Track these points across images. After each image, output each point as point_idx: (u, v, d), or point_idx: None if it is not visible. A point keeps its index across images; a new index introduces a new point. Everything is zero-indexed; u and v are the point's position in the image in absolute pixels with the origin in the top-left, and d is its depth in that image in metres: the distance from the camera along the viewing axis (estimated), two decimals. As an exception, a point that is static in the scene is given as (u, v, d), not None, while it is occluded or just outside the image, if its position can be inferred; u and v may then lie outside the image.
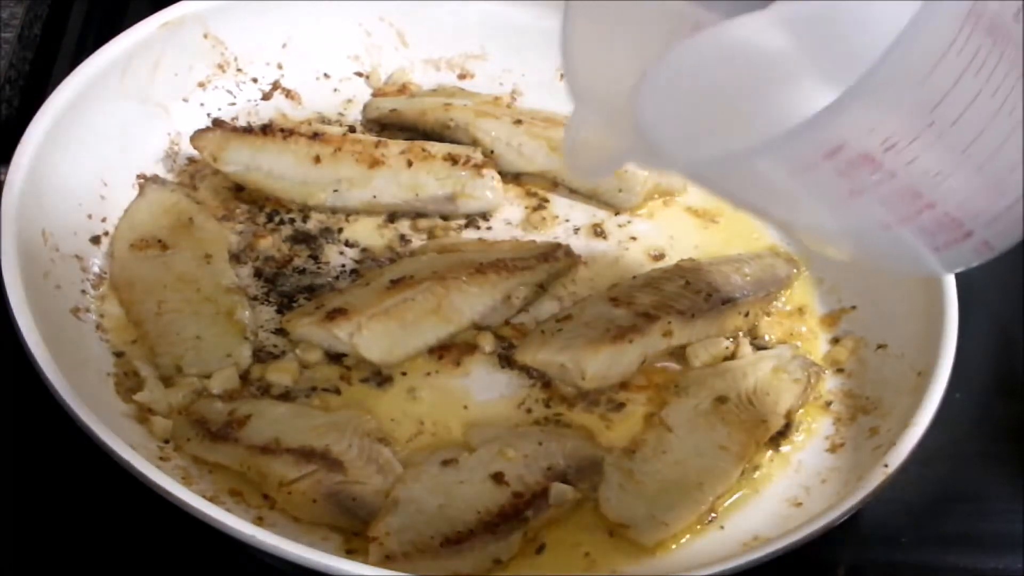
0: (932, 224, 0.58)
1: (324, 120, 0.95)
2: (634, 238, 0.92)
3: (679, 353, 0.84)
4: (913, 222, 0.58)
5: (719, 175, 0.60)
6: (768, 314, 0.88)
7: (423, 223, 0.90)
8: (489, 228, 0.91)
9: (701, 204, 0.94)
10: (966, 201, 0.58)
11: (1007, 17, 0.54)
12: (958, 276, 0.82)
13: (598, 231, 0.92)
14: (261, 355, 0.80)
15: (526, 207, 0.92)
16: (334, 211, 0.89)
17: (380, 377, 0.80)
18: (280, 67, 0.96)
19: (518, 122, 0.94)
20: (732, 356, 0.84)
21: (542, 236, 0.90)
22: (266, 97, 0.96)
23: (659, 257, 0.90)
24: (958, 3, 0.51)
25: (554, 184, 0.94)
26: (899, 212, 0.57)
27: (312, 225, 0.89)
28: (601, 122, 0.66)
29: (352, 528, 0.72)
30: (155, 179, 0.88)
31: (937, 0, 0.50)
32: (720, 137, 0.62)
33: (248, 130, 0.90)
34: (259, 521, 0.71)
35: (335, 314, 0.80)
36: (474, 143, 0.93)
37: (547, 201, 0.93)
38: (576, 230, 0.92)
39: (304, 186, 0.89)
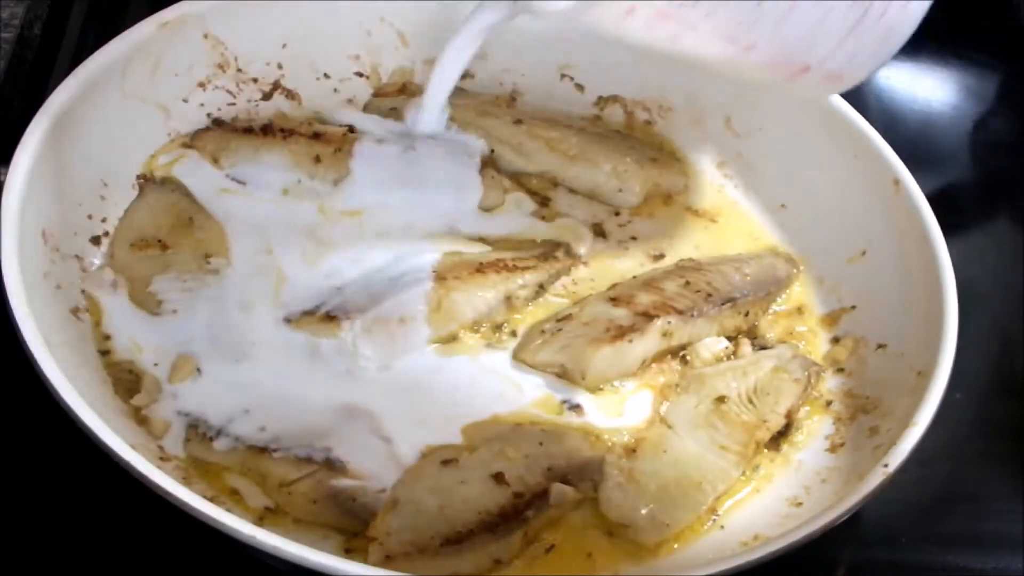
0: (763, 63, 0.72)
1: (324, 120, 0.95)
2: (634, 238, 0.92)
3: (679, 353, 0.84)
4: (744, 61, 0.72)
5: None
6: (768, 314, 0.88)
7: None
8: (490, 228, 0.90)
9: (701, 204, 0.94)
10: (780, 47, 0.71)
11: None
12: (958, 276, 0.82)
13: (598, 230, 0.92)
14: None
15: (526, 207, 0.92)
16: (334, 211, 0.89)
17: (380, 377, 0.80)
18: (280, 67, 0.96)
19: (518, 122, 0.94)
20: (732, 356, 0.85)
21: (543, 236, 0.90)
22: (266, 97, 0.96)
23: (659, 257, 0.90)
24: None
25: (554, 184, 0.94)
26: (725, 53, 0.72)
27: (312, 225, 0.89)
28: None
29: (352, 528, 0.72)
30: (155, 179, 0.88)
31: None
32: None
33: (248, 130, 0.90)
34: (259, 521, 0.71)
35: (335, 314, 0.80)
36: (474, 143, 0.93)
37: (548, 200, 0.93)
38: (576, 229, 0.92)
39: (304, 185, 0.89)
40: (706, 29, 0.70)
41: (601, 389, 0.81)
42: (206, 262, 0.84)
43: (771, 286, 0.89)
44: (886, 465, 0.72)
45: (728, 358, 0.84)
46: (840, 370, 0.85)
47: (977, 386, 0.87)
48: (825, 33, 0.72)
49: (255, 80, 0.96)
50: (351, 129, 0.94)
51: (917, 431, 0.74)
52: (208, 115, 0.93)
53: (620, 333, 0.81)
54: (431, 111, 0.90)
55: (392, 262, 0.86)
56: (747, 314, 0.87)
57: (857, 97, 0.88)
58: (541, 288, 0.86)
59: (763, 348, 0.86)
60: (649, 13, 0.70)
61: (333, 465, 0.73)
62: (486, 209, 0.91)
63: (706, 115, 0.98)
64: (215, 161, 0.89)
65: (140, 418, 0.76)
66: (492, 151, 0.93)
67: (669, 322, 0.83)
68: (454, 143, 0.93)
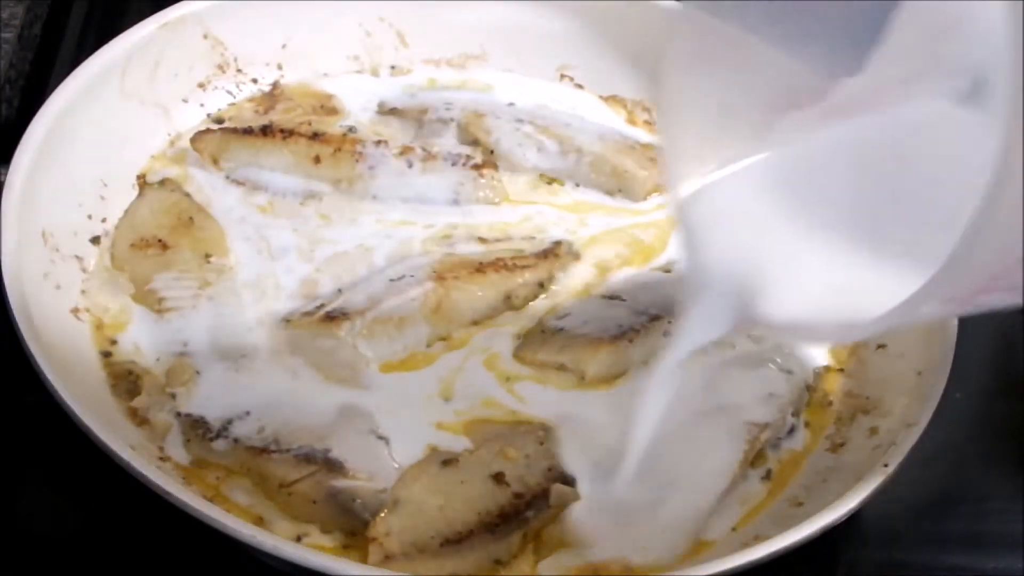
0: None
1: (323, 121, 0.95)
2: (634, 237, 0.92)
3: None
4: None
5: None
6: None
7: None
8: (489, 227, 0.90)
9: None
10: None
11: None
12: (958, 276, 0.82)
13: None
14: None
15: (526, 206, 0.92)
16: (334, 211, 0.89)
17: (380, 377, 0.80)
18: (280, 67, 0.96)
19: (518, 122, 0.94)
20: (733, 356, 0.84)
21: (542, 235, 0.90)
22: (266, 97, 0.96)
23: (660, 256, 0.90)
24: None
25: (554, 183, 0.94)
26: None
27: (312, 225, 0.89)
28: None
29: (352, 528, 0.72)
30: (155, 179, 0.88)
31: None
32: None
33: (248, 130, 0.90)
34: (259, 521, 0.71)
35: (335, 314, 0.80)
36: (474, 143, 0.93)
37: (548, 200, 0.93)
38: (576, 229, 0.92)
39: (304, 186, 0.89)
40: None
41: (601, 388, 0.81)
42: (206, 262, 0.84)
43: (771, 286, 0.89)
44: (886, 465, 0.72)
45: (728, 358, 0.84)
46: (840, 370, 0.85)
47: (977, 386, 0.87)
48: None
49: (255, 80, 0.96)
50: (351, 130, 0.94)
51: (917, 431, 0.74)
52: (208, 115, 0.93)
53: (620, 333, 0.81)
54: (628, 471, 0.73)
55: (392, 262, 0.86)
56: (747, 314, 0.87)
57: (857, 97, 0.88)
58: (541, 287, 0.86)
59: (764, 347, 0.85)
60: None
61: (333, 465, 0.73)
62: (486, 209, 0.91)
63: (706, 115, 0.98)
64: (215, 162, 0.89)
65: (140, 419, 0.76)
66: (492, 151, 0.93)
67: (669, 322, 0.82)
68: (454, 143, 0.93)
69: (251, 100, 0.95)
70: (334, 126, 0.94)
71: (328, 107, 0.96)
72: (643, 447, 0.71)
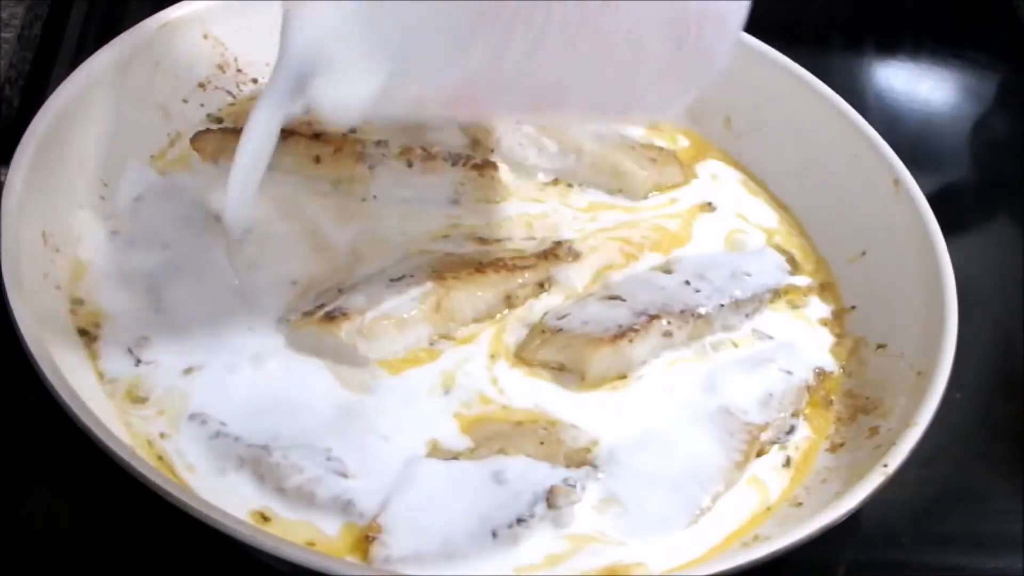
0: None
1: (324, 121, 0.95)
2: (634, 237, 0.92)
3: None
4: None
5: None
6: (768, 314, 0.88)
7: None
8: (489, 227, 0.90)
9: (702, 203, 0.94)
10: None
11: None
12: (958, 276, 0.82)
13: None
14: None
15: (526, 206, 0.92)
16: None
17: (380, 377, 0.80)
18: (280, 67, 0.96)
19: (518, 122, 0.94)
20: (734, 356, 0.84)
21: (543, 235, 0.90)
22: (266, 97, 0.96)
23: (660, 256, 0.90)
24: None
25: (554, 183, 0.94)
26: None
27: (312, 225, 0.89)
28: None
29: (352, 528, 0.72)
30: (155, 179, 0.89)
31: None
32: None
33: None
34: (259, 521, 0.71)
35: (335, 314, 0.80)
36: (475, 143, 0.93)
37: (548, 200, 0.93)
38: (577, 229, 0.92)
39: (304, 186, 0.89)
40: (505, 103, 0.69)
41: (601, 388, 0.81)
42: (206, 262, 0.84)
43: (771, 286, 0.89)
44: (886, 465, 0.72)
45: (729, 358, 0.84)
46: (840, 370, 0.85)
47: (977, 386, 0.87)
48: (640, 76, 0.69)
49: (255, 80, 0.96)
50: (351, 130, 0.94)
51: (917, 431, 0.74)
52: (208, 115, 0.93)
53: (620, 333, 0.81)
54: (236, 209, 0.78)
55: (392, 262, 0.86)
56: (748, 314, 0.87)
57: (857, 97, 0.89)
58: (541, 287, 0.86)
59: (764, 347, 0.85)
60: (440, 102, 0.69)
61: (333, 465, 0.73)
62: (486, 209, 0.91)
63: (706, 115, 0.98)
64: (215, 162, 0.89)
65: (138, 418, 0.76)
66: (492, 151, 0.93)
67: (669, 322, 0.83)
68: (454, 143, 0.93)
69: (252, 99, 0.95)
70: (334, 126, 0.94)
71: None
72: (240, 178, 0.76)
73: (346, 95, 0.69)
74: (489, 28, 0.65)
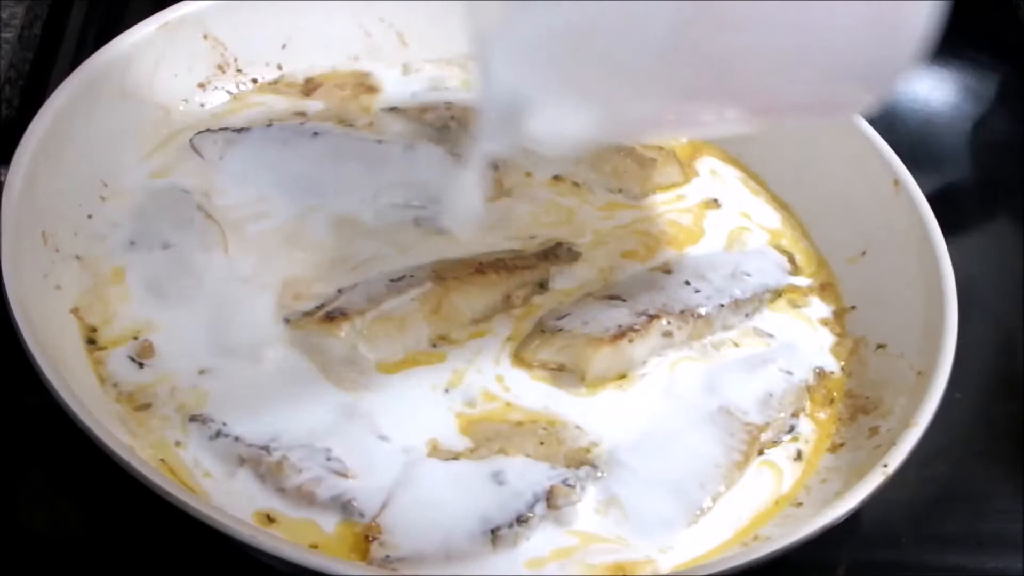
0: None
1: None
2: (635, 237, 0.92)
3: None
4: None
5: None
6: (768, 314, 0.88)
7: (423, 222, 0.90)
8: (488, 227, 0.90)
9: (702, 202, 0.94)
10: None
11: None
12: (958, 276, 0.82)
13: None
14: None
15: (525, 206, 0.92)
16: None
17: (379, 377, 0.80)
18: (280, 67, 0.96)
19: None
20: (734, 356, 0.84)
21: (543, 235, 0.90)
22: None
23: (660, 255, 0.90)
24: None
25: (554, 183, 0.94)
26: None
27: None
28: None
29: (352, 528, 0.72)
30: (155, 179, 0.88)
31: None
32: None
33: (247, 130, 0.90)
34: (264, 522, 0.71)
35: (335, 314, 0.80)
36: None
37: (549, 200, 0.93)
38: (577, 229, 0.91)
39: (304, 186, 0.89)
40: (710, 119, 0.70)
41: (601, 388, 0.81)
42: (207, 263, 0.84)
43: (771, 286, 0.89)
44: (886, 465, 0.72)
45: (729, 359, 0.84)
46: (840, 370, 0.85)
47: (977, 386, 0.87)
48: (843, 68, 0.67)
49: (255, 80, 0.96)
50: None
51: (917, 431, 0.74)
52: (208, 115, 0.93)
53: (620, 333, 0.81)
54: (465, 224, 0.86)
55: (391, 262, 0.86)
56: (747, 314, 0.87)
57: (857, 97, 0.88)
58: (541, 287, 0.86)
59: (764, 347, 0.85)
60: (652, 124, 0.70)
61: (333, 465, 0.73)
62: (485, 208, 0.91)
63: (706, 115, 0.98)
64: (215, 162, 0.89)
65: (139, 418, 0.76)
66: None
67: (669, 322, 0.83)
68: (454, 142, 0.93)
69: (290, 85, 0.95)
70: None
71: (367, 84, 0.97)
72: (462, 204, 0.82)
73: (559, 130, 0.69)
74: (698, 34, 0.63)
